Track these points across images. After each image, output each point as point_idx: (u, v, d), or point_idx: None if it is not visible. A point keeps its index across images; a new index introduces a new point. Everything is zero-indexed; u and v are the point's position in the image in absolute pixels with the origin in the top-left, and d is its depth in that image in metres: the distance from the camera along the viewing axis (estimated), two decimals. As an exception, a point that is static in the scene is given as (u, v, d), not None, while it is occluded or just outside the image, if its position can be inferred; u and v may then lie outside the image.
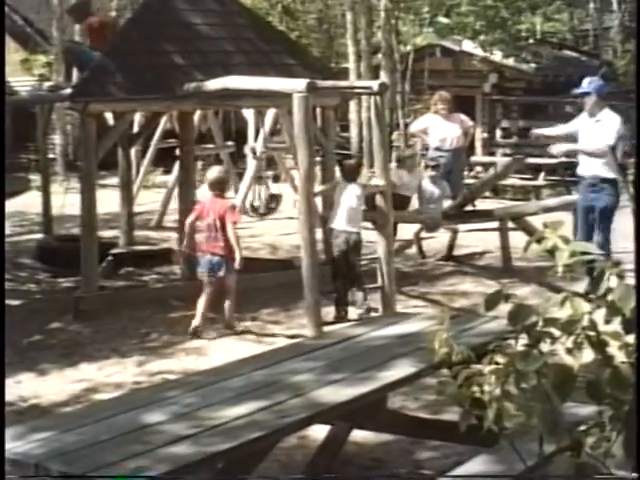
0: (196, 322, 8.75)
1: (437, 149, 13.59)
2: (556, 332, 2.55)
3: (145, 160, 15.81)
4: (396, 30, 21.31)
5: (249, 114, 15.68)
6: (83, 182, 9.96)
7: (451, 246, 11.90)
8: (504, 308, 2.68)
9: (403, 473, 5.65)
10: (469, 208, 12.27)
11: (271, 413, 4.43)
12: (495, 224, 11.62)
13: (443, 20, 21.72)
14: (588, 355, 2.54)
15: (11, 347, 7.94)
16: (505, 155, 19.53)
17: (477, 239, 12.51)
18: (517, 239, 10.81)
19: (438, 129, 13.64)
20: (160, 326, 9.14)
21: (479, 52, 20.97)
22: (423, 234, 12.02)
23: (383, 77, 19.30)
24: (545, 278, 10.14)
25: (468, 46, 21.19)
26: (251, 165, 15.09)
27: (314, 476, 5.55)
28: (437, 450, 5.96)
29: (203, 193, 10.42)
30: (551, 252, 2.60)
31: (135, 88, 9.82)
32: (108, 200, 13.18)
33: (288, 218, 13.83)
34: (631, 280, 2.59)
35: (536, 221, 10.52)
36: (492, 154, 20.50)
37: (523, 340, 2.61)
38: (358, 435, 6.02)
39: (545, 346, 2.57)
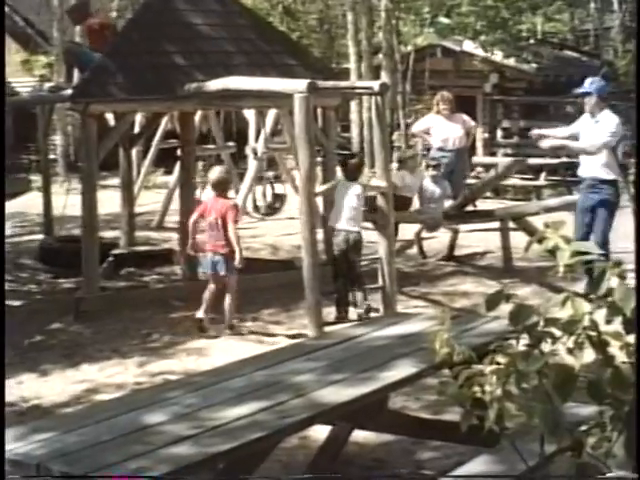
0: (200, 314, 8.81)
1: (440, 149, 13.57)
2: (557, 332, 2.55)
3: (146, 161, 15.82)
4: (397, 30, 21.33)
5: (250, 114, 15.66)
6: (84, 183, 9.96)
7: (452, 246, 11.90)
8: (505, 308, 2.68)
9: (404, 473, 5.65)
10: (470, 208, 12.26)
11: (272, 413, 4.43)
12: (496, 224, 11.61)
13: (444, 20, 21.69)
14: (589, 355, 2.54)
15: (12, 348, 7.95)
16: (506, 155, 19.53)
17: (478, 239, 12.50)
18: (518, 239, 10.79)
19: (440, 129, 13.62)
20: (161, 326, 9.14)
21: (480, 52, 20.96)
22: (424, 234, 12.02)
23: (384, 77, 19.31)
24: (546, 278, 10.13)
25: (469, 46, 21.17)
26: (252, 166, 15.08)
27: (315, 476, 5.54)
28: (438, 450, 5.96)
29: (208, 196, 10.43)
30: (552, 252, 2.60)
31: (136, 89, 9.82)
32: (109, 201, 13.19)
33: (289, 218, 13.83)
34: (632, 280, 2.60)
35: (537, 221, 10.53)
36: (493, 154, 20.49)
37: (524, 340, 2.62)
38: (359, 435, 6.01)
39: (546, 346, 2.57)
